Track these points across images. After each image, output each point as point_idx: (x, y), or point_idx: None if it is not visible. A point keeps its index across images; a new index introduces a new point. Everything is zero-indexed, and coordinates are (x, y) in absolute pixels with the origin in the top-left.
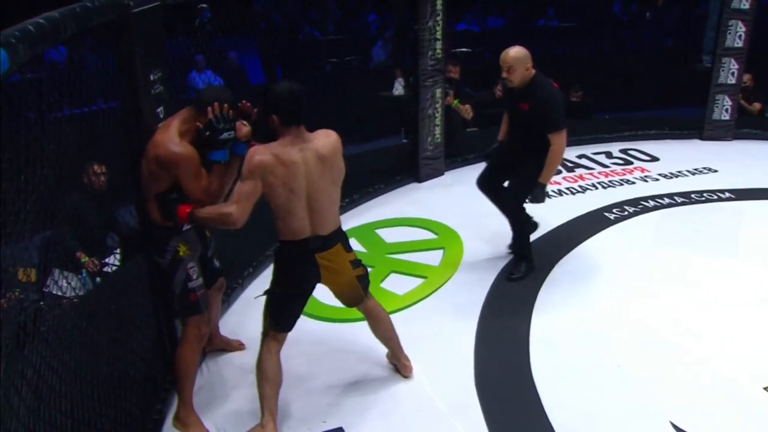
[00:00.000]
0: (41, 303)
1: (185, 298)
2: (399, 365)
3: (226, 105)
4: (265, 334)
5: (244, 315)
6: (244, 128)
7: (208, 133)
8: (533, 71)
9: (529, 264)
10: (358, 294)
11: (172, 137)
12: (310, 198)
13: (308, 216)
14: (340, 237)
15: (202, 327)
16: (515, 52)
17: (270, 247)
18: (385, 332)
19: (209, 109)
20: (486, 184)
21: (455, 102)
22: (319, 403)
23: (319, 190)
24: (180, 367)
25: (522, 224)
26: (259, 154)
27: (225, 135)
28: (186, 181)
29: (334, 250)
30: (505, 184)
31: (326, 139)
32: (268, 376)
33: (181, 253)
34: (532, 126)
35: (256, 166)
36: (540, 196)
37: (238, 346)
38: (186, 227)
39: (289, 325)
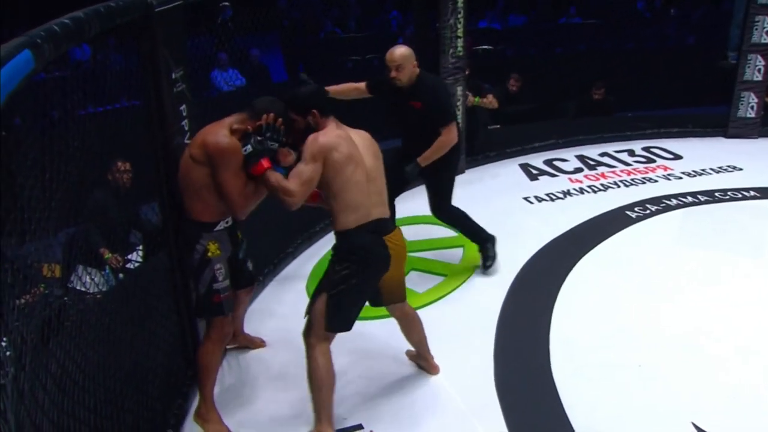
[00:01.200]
0: (65, 298)
1: (209, 299)
2: (427, 365)
3: (279, 119)
4: (317, 338)
5: (264, 312)
6: (289, 156)
7: (257, 138)
8: (417, 69)
9: (490, 244)
10: (403, 287)
11: (223, 129)
12: (369, 176)
13: (371, 197)
14: (393, 221)
15: (225, 327)
16: (402, 50)
17: (289, 246)
18: (418, 334)
19: (264, 116)
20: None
21: (476, 100)
22: (339, 400)
23: (375, 169)
24: (202, 364)
25: (457, 217)
26: (322, 135)
27: (269, 144)
28: (223, 173)
29: (396, 231)
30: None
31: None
32: (326, 383)
33: (209, 254)
34: (425, 123)
35: (322, 146)
36: (412, 174)
37: (260, 343)
38: (219, 227)
39: (352, 324)
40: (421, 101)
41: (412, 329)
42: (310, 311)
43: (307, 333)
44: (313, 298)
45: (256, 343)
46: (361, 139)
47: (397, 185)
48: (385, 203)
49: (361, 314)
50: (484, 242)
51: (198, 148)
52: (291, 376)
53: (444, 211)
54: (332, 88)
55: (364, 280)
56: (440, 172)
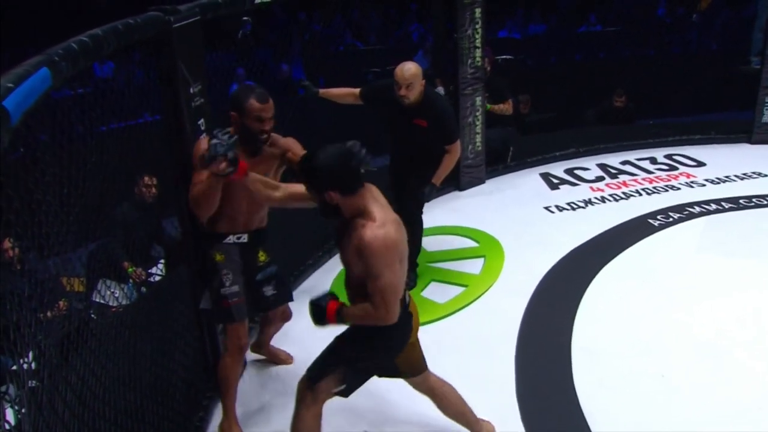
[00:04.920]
0: (90, 312)
1: (219, 304)
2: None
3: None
4: (314, 399)
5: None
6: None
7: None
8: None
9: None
10: (422, 356)
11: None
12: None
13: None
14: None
15: (242, 338)
16: (413, 68)
17: (309, 259)
18: (457, 407)
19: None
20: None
21: (488, 106)
22: (356, 410)
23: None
24: (221, 377)
25: (418, 225)
26: (386, 234)
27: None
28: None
29: (412, 298)
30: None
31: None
32: None
33: (216, 259)
34: (430, 141)
35: (397, 250)
36: (431, 196)
37: (286, 358)
38: (228, 241)
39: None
40: (427, 120)
41: (448, 404)
42: (320, 373)
43: (305, 388)
44: (325, 369)
45: (281, 358)
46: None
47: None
48: None
49: None
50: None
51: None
52: None
53: (419, 201)
54: (328, 91)
55: (388, 355)
56: (426, 178)
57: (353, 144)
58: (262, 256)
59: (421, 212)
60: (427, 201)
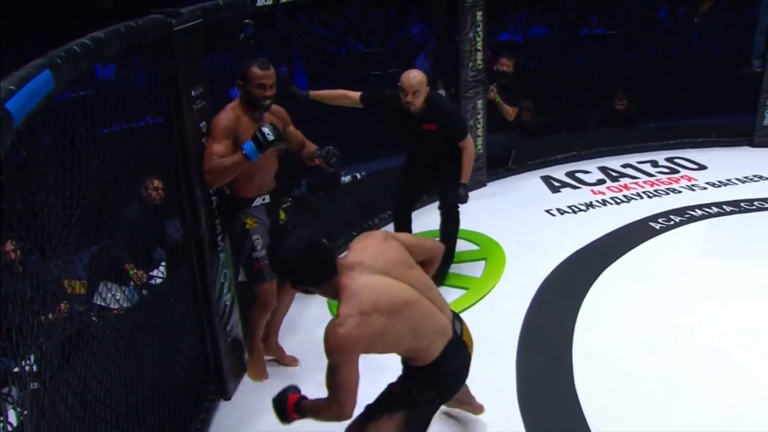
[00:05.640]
0: (91, 315)
1: (250, 266)
2: (471, 408)
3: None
4: None
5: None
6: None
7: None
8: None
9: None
10: (467, 389)
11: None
12: (420, 290)
13: (436, 307)
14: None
15: (268, 298)
16: (419, 75)
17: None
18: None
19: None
20: (401, 207)
21: (497, 98)
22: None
23: (417, 278)
24: (250, 324)
25: (457, 225)
26: (344, 331)
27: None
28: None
29: (465, 328)
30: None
31: (365, 241)
32: None
33: (247, 226)
34: (441, 142)
35: (353, 347)
36: (465, 196)
37: (292, 362)
38: (255, 203)
39: None
40: (436, 123)
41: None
42: (372, 418)
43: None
44: (379, 415)
45: (288, 361)
46: (375, 254)
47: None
48: (444, 301)
49: None
50: (450, 259)
51: None
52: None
53: (456, 202)
54: (319, 93)
55: (451, 394)
56: (458, 172)
57: (316, 233)
58: (282, 215)
59: (458, 211)
60: (465, 202)
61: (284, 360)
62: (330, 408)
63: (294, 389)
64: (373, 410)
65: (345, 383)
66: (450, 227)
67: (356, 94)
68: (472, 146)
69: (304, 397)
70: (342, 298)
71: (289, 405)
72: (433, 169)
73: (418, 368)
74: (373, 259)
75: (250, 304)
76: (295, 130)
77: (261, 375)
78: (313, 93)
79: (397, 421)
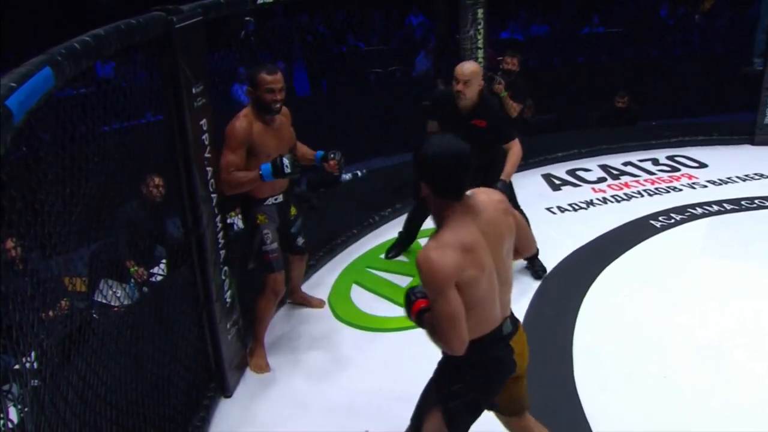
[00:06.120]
0: (92, 312)
1: (261, 258)
2: None
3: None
4: None
5: (287, 324)
6: None
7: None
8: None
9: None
10: (524, 398)
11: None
12: (499, 274)
13: (501, 298)
14: (514, 316)
15: (277, 285)
16: (473, 66)
17: (311, 259)
18: None
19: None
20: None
21: (504, 93)
22: (358, 412)
23: (504, 265)
24: (257, 313)
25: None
26: (439, 257)
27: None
28: (223, 149)
29: (520, 329)
30: None
31: (488, 197)
32: None
33: (258, 221)
34: (489, 141)
35: (448, 276)
36: (503, 192)
37: (318, 303)
38: (267, 203)
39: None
40: (486, 120)
41: None
42: (420, 421)
43: None
44: (423, 409)
45: (314, 303)
46: (489, 218)
47: None
48: (510, 299)
49: (383, 326)
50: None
51: None
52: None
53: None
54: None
55: (484, 393)
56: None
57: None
58: (293, 210)
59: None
60: None
61: (312, 303)
62: (439, 339)
63: (422, 294)
64: (418, 409)
65: (442, 314)
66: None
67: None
68: (520, 149)
69: (427, 309)
70: (445, 225)
71: (415, 307)
72: (478, 168)
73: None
74: (484, 220)
75: (256, 295)
76: (292, 130)
77: (263, 367)
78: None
79: (436, 418)
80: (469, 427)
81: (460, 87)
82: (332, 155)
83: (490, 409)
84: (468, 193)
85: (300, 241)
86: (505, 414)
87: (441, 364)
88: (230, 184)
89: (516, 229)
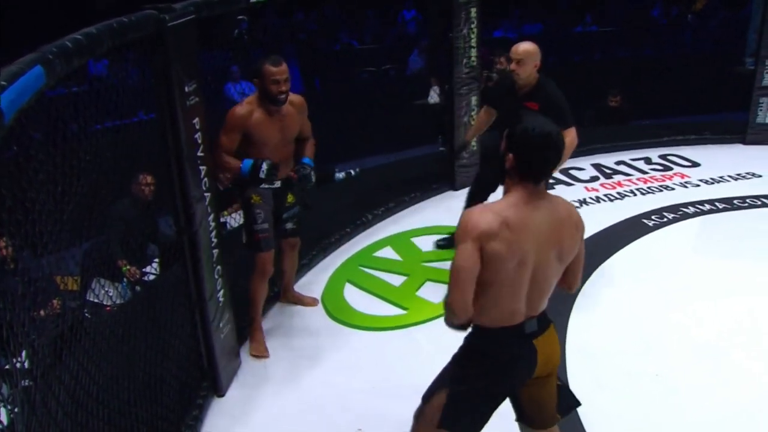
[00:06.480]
0: (84, 311)
1: (251, 236)
2: None
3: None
4: (425, 429)
5: (279, 324)
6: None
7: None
8: (537, 73)
9: None
10: (552, 411)
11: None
12: (537, 272)
13: (528, 294)
14: (548, 317)
15: (266, 264)
16: (527, 46)
17: (303, 258)
18: None
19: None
20: (486, 191)
21: None
22: (350, 411)
23: (546, 268)
24: (250, 296)
25: None
26: (476, 214)
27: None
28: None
29: (550, 330)
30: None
31: (567, 208)
32: None
33: (252, 201)
34: None
35: (473, 230)
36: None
37: (311, 302)
38: (263, 186)
39: (470, 429)
40: (539, 102)
41: None
42: (427, 399)
43: (418, 419)
44: (434, 387)
45: (307, 302)
46: (555, 213)
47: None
48: (547, 297)
49: (382, 325)
50: None
51: None
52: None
53: None
54: (470, 132)
55: (493, 387)
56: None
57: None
58: (290, 198)
59: None
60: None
61: (304, 302)
62: (447, 296)
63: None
64: (431, 386)
65: (454, 266)
66: None
67: (484, 107)
68: (575, 138)
69: None
70: (505, 198)
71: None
72: None
73: (475, 326)
74: (548, 217)
75: (249, 276)
76: (308, 123)
77: (261, 351)
78: (468, 136)
79: (441, 399)
80: (469, 420)
81: (513, 66)
82: (300, 169)
83: (518, 420)
84: (551, 192)
85: (289, 225)
86: (532, 426)
87: (462, 347)
88: (215, 163)
89: (577, 252)
